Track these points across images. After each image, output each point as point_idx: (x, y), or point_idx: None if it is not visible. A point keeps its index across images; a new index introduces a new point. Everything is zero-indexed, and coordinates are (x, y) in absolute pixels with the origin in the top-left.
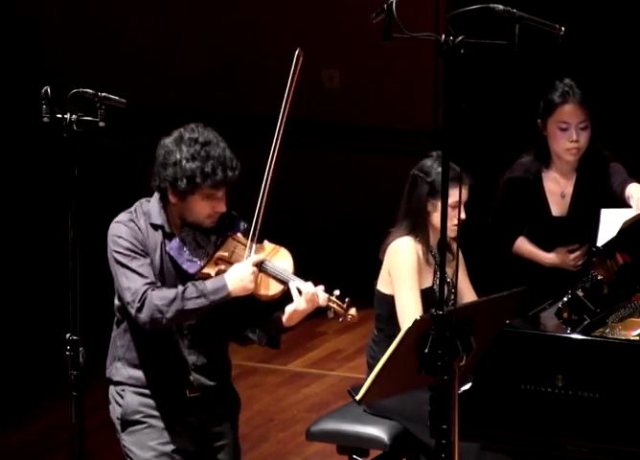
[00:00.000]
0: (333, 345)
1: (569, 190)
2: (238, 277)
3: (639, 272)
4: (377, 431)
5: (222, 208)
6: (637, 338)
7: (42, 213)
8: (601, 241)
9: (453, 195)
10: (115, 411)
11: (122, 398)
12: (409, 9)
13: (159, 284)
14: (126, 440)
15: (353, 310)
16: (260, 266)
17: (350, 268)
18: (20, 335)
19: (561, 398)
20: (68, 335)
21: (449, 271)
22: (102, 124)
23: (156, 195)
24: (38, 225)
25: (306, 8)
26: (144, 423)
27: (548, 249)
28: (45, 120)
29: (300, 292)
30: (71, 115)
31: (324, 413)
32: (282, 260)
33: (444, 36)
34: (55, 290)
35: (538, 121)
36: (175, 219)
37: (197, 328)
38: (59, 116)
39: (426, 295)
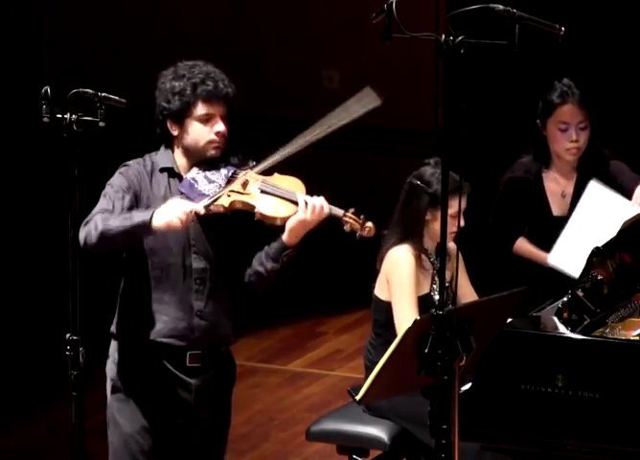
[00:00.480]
0: (333, 345)
1: (570, 189)
2: (166, 208)
3: (639, 272)
4: (377, 431)
5: (222, 128)
6: (637, 338)
7: (42, 213)
8: (578, 210)
9: (453, 206)
10: (110, 370)
11: (119, 358)
12: (409, 9)
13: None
14: (114, 405)
15: (369, 223)
16: (263, 191)
17: (349, 268)
18: (20, 335)
19: (561, 398)
20: (68, 335)
21: (448, 275)
22: (102, 124)
23: (163, 147)
24: (38, 225)
25: (306, 8)
26: (134, 393)
27: (548, 249)
28: (45, 120)
29: (306, 204)
30: (71, 115)
31: (324, 413)
32: (291, 183)
33: (444, 36)
34: (55, 290)
35: (538, 121)
36: (182, 161)
37: (206, 273)
38: (59, 116)
39: (424, 302)
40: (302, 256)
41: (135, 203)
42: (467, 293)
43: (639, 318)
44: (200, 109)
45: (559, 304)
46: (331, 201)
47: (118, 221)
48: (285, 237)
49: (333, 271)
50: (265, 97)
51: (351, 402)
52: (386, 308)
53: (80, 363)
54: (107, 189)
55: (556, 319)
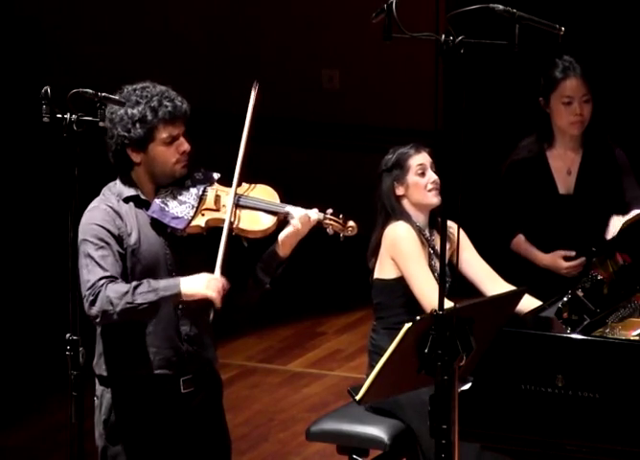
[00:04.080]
0: (333, 345)
1: (575, 166)
2: (193, 278)
3: (639, 272)
4: (377, 431)
5: (186, 146)
6: (637, 338)
7: (42, 213)
8: None
9: (417, 159)
10: (101, 415)
11: (110, 402)
12: (409, 9)
13: (119, 279)
14: (111, 449)
15: (351, 222)
16: (239, 205)
17: (348, 268)
18: (20, 335)
19: (561, 398)
20: (68, 335)
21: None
22: (102, 124)
23: (119, 178)
24: (38, 225)
25: (306, 8)
26: (130, 431)
27: (554, 229)
28: (45, 120)
29: (294, 217)
30: (71, 115)
31: (324, 413)
32: (264, 193)
33: (444, 36)
34: (55, 290)
35: (540, 99)
36: (147, 186)
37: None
38: (59, 116)
39: None
40: (300, 256)
41: (120, 247)
42: (478, 268)
43: (639, 318)
44: (163, 133)
45: (559, 304)
46: (330, 201)
47: (140, 297)
48: (279, 250)
49: (333, 271)
50: (265, 97)
51: (351, 402)
52: (391, 286)
53: (80, 363)
54: (88, 249)
55: (556, 319)
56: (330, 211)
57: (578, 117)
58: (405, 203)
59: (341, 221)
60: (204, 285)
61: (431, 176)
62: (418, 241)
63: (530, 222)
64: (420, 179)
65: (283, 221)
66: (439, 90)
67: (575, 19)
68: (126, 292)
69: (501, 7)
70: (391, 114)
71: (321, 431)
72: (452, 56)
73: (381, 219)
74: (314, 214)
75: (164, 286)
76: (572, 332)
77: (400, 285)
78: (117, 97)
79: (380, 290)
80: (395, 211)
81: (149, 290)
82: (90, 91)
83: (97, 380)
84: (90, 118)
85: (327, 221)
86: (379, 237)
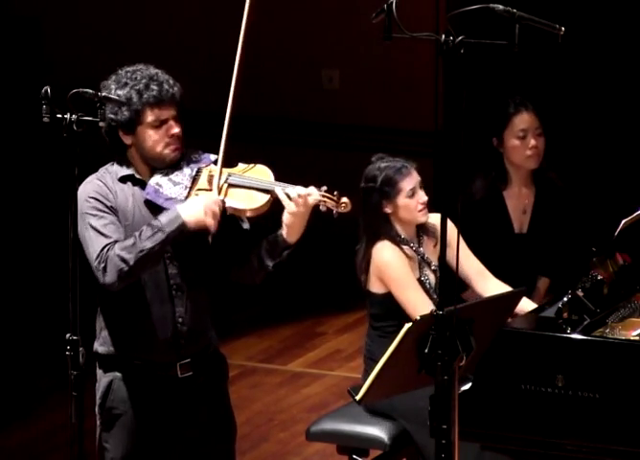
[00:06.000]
0: (333, 345)
1: (530, 205)
2: (190, 206)
3: (639, 272)
4: (377, 431)
5: (175, 129)
6: (637, 338)
7: (42, 213)
8: None
9: (409, 182)
10: (98, 395)
11: (109, 383)
12: (409, 9)
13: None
14: (104, 434)
15: (345, 199)
16: (231, 184)
17: (349, 268)
18: (20, 335)
19: (561, 398)
20: (68, 335)
21: (434, 256)
22: (102, 124)
23: (116, 158)
24: (38, 225)
25: (306, 8)
26: (125, 418)
27: (506, 268)
28: (45, 120)
29: (289, 197)
30: (71, 115)
31: (324, 413)
32: (258, 172)
33: (444, 36)
34: (55, 290)
35: (494, 139)
36: (142, 167)
37: (181, 277)
38: (59, 116)
39: None
40: (300, 257)
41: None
42: (469, 265)
43: (639, 318)
44: (150, 116)
45: (559, 304)
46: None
47: (148, 242)
48: (285, 235)
49: (334, 271)
50: (265, 97)
51: (351, 403)
52: (381, 300)
53: (80, 363)
54: (90, 220)
55: (556, 319)
56: (324, 188)
57: (534, 150)
58: (392, 219)
59: (335, 198)
60: (203, 212)
61: (421, 197)
62: (405, 261)
63: (484, 262)
64: (410, 201)
65: (278, 200)
66: (439, 90)
67: (575, 19)
68: (134, 243)
69: (501, 7)
70: (391, 114)
71: (321, 431)
72: (452, 56)
73: (366, 237)
74: (313, 192)
75: (166, 221)
76: (572, 332)
77: (394, 299)
78: (114, 93)
79: (373, 302)
80: (380, 231)
81: (155, 231)
82: (90, 91)
83: (96, 363)
84: (90, 118)
85: (320, 198)
86: (367, 256)
